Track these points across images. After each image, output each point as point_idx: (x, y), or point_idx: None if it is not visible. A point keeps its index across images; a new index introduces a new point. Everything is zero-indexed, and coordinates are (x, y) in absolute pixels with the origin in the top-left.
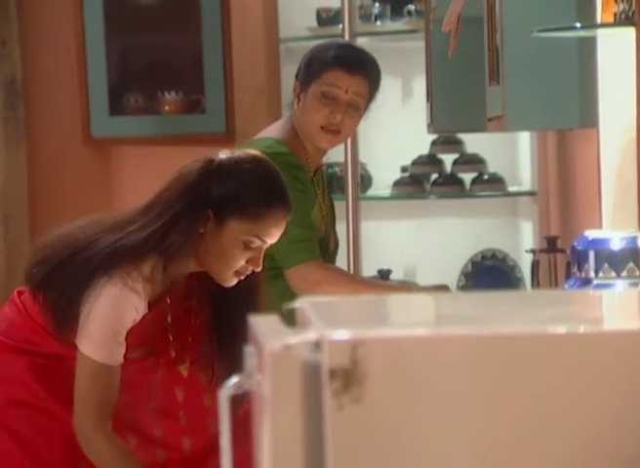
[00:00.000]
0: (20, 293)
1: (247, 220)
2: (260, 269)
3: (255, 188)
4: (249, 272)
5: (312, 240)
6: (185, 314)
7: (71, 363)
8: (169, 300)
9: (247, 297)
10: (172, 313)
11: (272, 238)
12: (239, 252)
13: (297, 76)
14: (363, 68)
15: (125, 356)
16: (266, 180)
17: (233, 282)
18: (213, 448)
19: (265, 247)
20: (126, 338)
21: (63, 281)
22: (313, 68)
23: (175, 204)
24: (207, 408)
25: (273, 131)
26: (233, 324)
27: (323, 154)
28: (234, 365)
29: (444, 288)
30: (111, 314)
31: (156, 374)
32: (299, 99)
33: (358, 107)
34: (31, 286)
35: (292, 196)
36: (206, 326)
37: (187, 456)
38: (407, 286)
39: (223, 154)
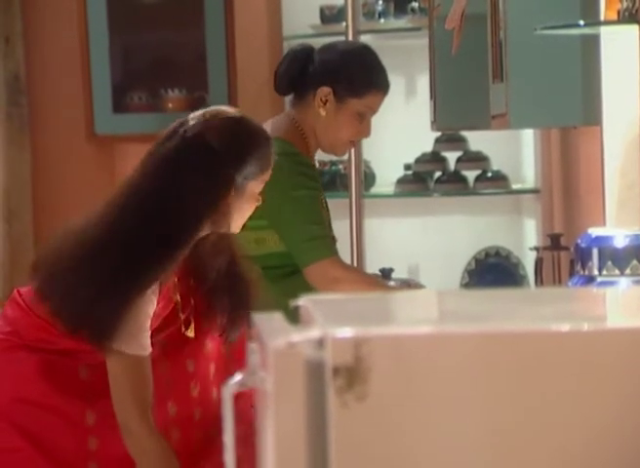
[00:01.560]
0: (20, 293)
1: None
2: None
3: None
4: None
5: (329, 237)
6: (189, 284)
7: (85, 356)
8: (176, 279)
9: (227, 258)
10: (179, 290)
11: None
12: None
13: (323, 79)
14: (389, 86)
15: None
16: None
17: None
18: (216, 423)
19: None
20: None
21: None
22: (356, 85)
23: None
24: (213, 376)
25: (279, 130)
26: (233, 284)
27: (317, 149)
28: (238, 319)
29: None
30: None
31: (168, 349)
32: (324, 104)
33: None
34: (40, 286)
35: (306, 195)
36: (208, 288)
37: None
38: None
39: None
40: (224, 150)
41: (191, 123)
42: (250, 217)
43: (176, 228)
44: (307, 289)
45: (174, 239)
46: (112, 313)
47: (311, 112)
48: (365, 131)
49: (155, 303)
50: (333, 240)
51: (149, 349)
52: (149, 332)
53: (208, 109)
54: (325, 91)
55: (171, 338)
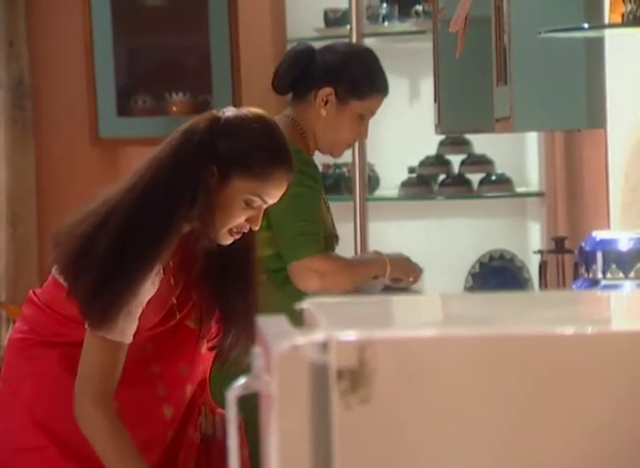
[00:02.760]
0: (35, 293)
1: (251, 179)
2: (257, 228)
3: (261, 147)
4: (245, 231)
5: (316, 233)
6: (184, 273)
7: None
8: (171, 263)
9: (243, 254)
10: (174, 275)
11: (273, 198)
12: (240, 210)
13: (326, 79)
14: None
15: (141, 327)
16: (272, 141)
17: (229, 241)
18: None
19: (264, 207)
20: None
21: (90, 266)
22: (360, 87)
23: (182, 162)
24: (201, 354)
25: None
26: (230, 278)
27: (314, 151)
28: (231, 318)
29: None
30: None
31: (158, 331)
32: (325, 104)
33: None
34: (60, 270)
35: (300, 192)
36: (202, 281)
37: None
38: (381, 258)
39: (229, 112)
40: (225, 145)
41: (205, 120)
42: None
43: (162, 203)
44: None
45: (162, 215)
46: (117, 296)
47: (312, 112)
48: (363, 133)
49: (150, 295)
50: (332, 238)
51: (130, 339)
52: (136, 322)
53: (246, 108)
54: (327, 91)
55: (166, 338)
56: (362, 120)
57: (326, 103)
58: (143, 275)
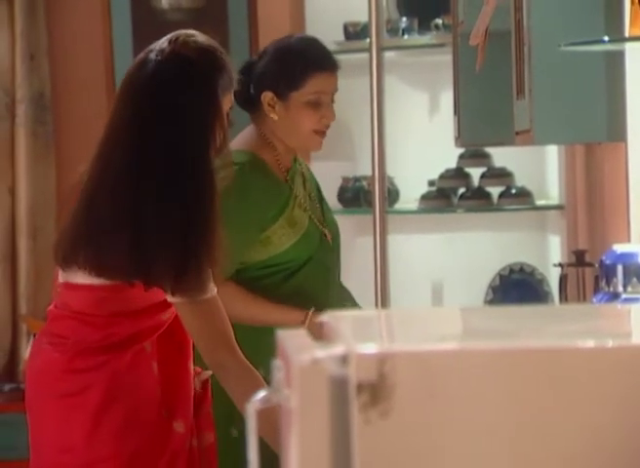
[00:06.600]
0: (57, 307)
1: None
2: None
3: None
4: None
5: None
6: None
7: (146, 331)
8: None
9: None
10: None
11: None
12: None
13: (262, 85)
14: (335, 64)
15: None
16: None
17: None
18: None
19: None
20: None
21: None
22: (291, 78)
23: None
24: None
25: (238, 142)
26: None
27: (294, 151)
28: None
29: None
30: None
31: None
32: (272, 108)
33: (334, 101)
34: (100, 270)
35: (228, 205)
36: None
37: None
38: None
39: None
40: (202, 60)
41: (161, 47)
42: None
43: (188, 150)
44: (308, 287)
45: (193, 162)
46: (202, 257)
47: (267, 120)
48: (327, 115)
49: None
50: (318, 235)
51: (214, 289)
52: (210, 275)
53: (171, 34)
54: (268, 96)
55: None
56: (317, 105)
57: (274, 107)
58: (213, 221)
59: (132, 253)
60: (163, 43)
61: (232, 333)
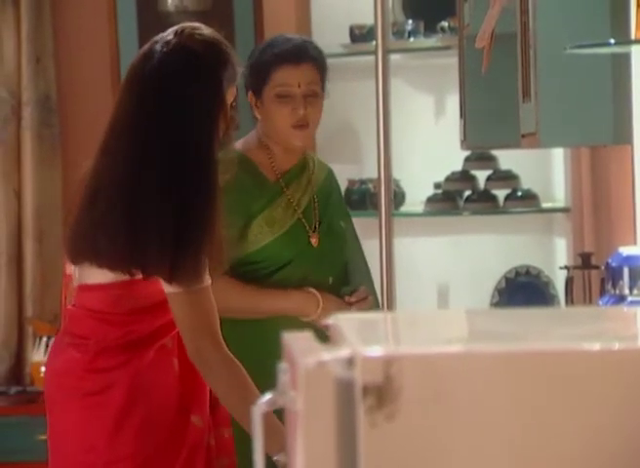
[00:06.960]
0: (76, 306)
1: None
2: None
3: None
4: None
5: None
6: None
7: (165, 328)
8: None
9: None
10: None
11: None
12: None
13: (246, 86)
14: (305, 56)
15: None
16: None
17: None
18: None
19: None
20: None
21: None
22: (259, 73)
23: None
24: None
25: (238, 143)
26: None
27: (297, 153)
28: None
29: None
30: None
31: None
32: (257, 107)
33: (316, 94)
34: (115, 263)
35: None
36: None
37: None
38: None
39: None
40: (208, 53)
41: (167, 39)
42: None
43: (193, 142)
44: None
45: (196, 153)
46: (199, 247)
47: (258, 122)
48: (297, 108)
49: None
50: (305, 238)
51: (209, 280)
52: (207, 265)
53: (176, 27)
54: (249, 96)
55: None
56: (287, 97)
57: (256, 106)
58: (213, 212)
59: (128, 239)
60: (168, 35)
61: (218, 327)
